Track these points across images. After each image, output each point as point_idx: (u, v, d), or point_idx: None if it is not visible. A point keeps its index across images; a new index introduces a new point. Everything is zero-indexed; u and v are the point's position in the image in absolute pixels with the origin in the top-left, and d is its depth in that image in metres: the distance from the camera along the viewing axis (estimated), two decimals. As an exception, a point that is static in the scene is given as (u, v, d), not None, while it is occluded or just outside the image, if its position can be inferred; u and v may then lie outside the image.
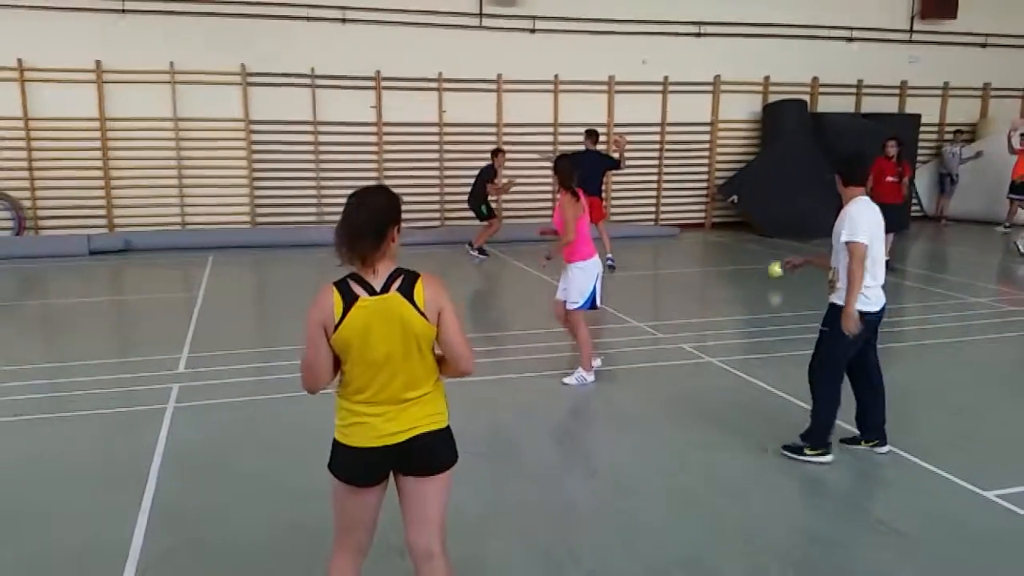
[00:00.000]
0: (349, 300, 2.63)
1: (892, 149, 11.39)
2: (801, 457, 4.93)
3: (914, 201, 16.61)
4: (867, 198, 4.88)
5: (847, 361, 4.91)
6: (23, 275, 11.31)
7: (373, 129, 14.27)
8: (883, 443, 5.07)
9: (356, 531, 2.86)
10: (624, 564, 3.77)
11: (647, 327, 8.21)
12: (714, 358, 7.09)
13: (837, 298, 4.79)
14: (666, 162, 15.90)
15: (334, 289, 2.66)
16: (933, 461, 4.89)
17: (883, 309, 4.87)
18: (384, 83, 14.14)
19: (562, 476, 4.95)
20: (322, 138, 14.06)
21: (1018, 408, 6.00)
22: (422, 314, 2.65)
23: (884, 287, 4.87)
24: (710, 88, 15.87)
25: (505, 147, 13.60)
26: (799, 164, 15.00)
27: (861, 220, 4.68)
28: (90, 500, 4.43)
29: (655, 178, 15.92)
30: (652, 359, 7.17)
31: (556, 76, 14.91)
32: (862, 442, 5.11)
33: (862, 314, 4.72)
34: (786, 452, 5.01)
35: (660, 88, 15.57)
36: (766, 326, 8.31)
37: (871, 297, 4.76)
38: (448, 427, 2.84)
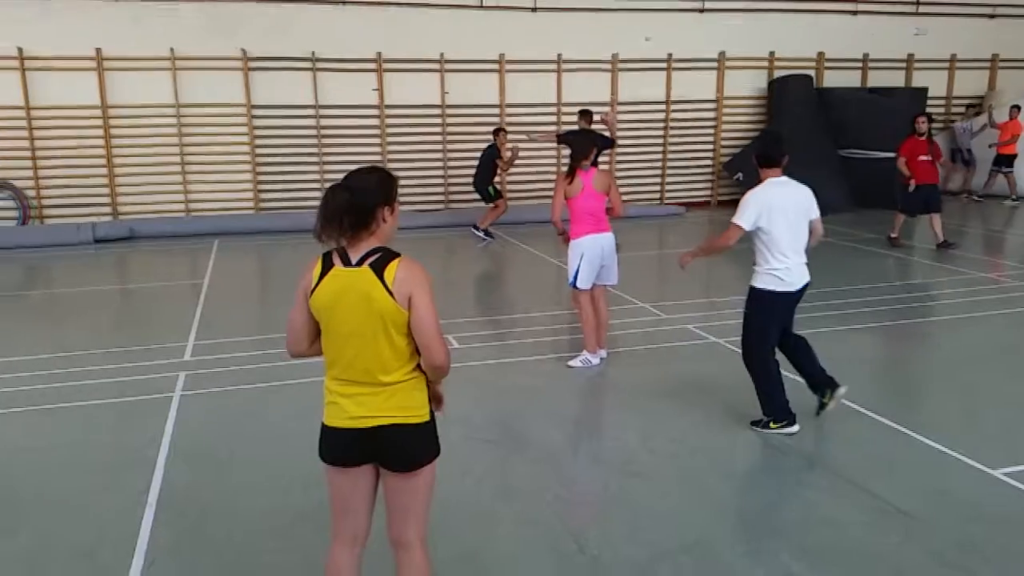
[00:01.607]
0: (326, 268, 2.69)
1: (923, 125, 10.93)
2: (767, 431, 5.04)
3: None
4: (783, 179, 4.94)
5: (774, 336, 5.03)
6: (28, 265, 11.33)
7: (375, 112, 14.20)
8: (836, 386, 5.12)
9: (348, 516, 2.85)
10: (629, 550, 3.77)
11: (652, 308, 8.19)
12: (720, 339, 7.06)
13: (754, 280, 4.96)
14: (671, 140, 15.80)
15: (320, 257, 2.73)
16: (940, 439, 4.87)
17: (803, 288, 4.97)
18: (385, 65, 14.05)
19: (567, 461, 4.95)
20: (324, 122, 14.01)
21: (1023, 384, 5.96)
22: (390, 293, 2.60)
23: (808, 264, 5.00)
24: (715, 65, 15.73)
25: (508, 128, 13.51)
26: (805, 140, 14.86)
27: (750, 205, 4.81)
28: (98, 490, 4.45)
29: (660, 156, 15.82)
30: (657, 340, 7.14)
31: (559, 55, 14.79)
32: (822, 400, 5.16)
33: (778, 294, 4.87)
34: (754, 427, 5.11)
35: (664, 66, 15.44)
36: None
37: (784, 278, 4.87)
38: (426, 424, 2.76)
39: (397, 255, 2.68)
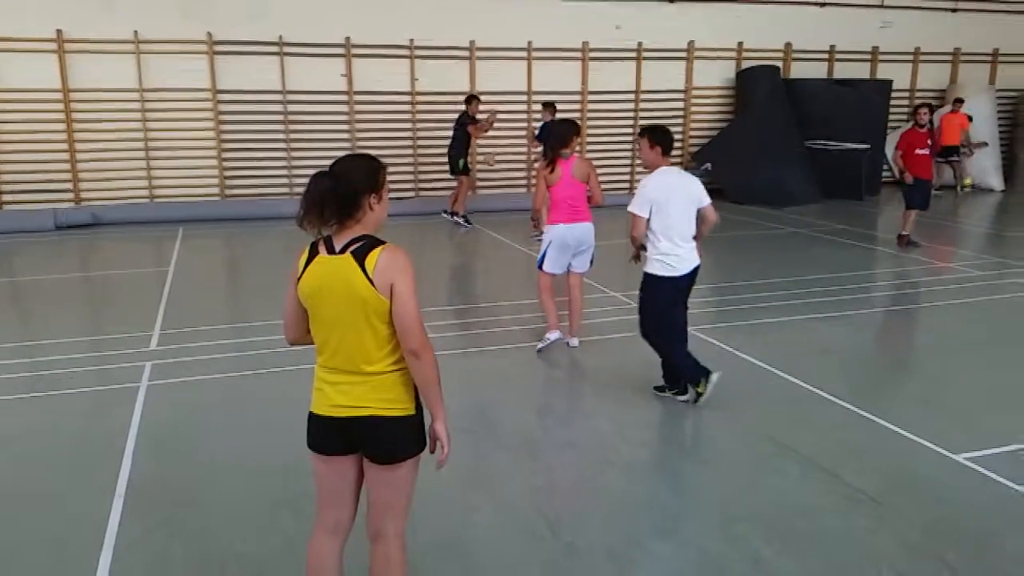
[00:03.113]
0: (311, 256, 2.69)
1: (925, 117, 10.35)
2: (696, 397, 5.26)
3: (884, 168, 16.73)
4: (673, 168, 5.28)
5: (667, 313, 5.32)
6: (-12, 251, 11.06)
7: (344, 98, 14.05)
8: (683, 392, 5.40)
9: (331, 505, 2.83)
10: (602, 536, 3.79)
11: (623, 296, 8.22)
12: (689, 327, 7.09)
13: (646, 266, 5.26)
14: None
15: (308, 245, 2.73)
16: (904, 425, 4.97)
17: (691, 272, 5.24)
18: (354, 51, 13.90)
19: (541, 449, 4.97)
20: (292, 108, 13.82)
21: (983, 371, 6.09)
22: (370, 281, 2.58)
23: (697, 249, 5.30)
24: (684, 55, 15.80)
25: (478, 117, 13.39)
26: (772, 131, 15.04)
27: (644, 193, 5.12)
28: (64, 482, 4.37)
29: (630, 146, 15.87)
30: (629, 329, 7.16)
31: (529, 43, 14.75)
32: (667, 391, 5.48)
33: (667, 279, 5.15)
34: (676, 396, 5.41)
35: (634, 55, 15.47)
36: (741, 294, 8.37)
37: (672, 264, 5.15)
38: (410, 417, 2.71)
39: (381, 243, 2.65)
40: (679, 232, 5.14)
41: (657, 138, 5.22)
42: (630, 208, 5.15)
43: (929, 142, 10.37)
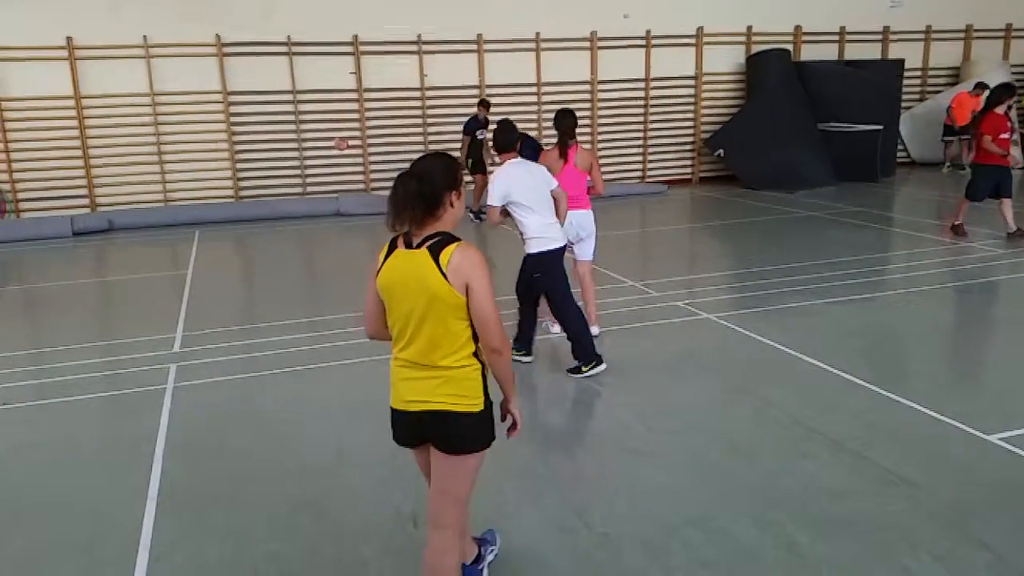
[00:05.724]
0: (390, 250, 2.77)
1: (1011, 99, 9.78)
2: (581, 375, 5.69)
3: (900, 148, 16.59)
4: (519, 159, 5.69)
5: (561, 288, 5.73)
6: (7, 259, 11.15)
7: (354, 96, 14.05)
8: (528, 353, 5.98)
9: (429, 476, 2.98)
10: (635, 526, 3.78)
11: (641, 286, 8.20)
12: (711, 314, 7.09)
13: (528, 248, 5.65)
14: (651, 118, 15.78)
15: (388, 240, 2.82)
16: (934, 407, 4.92)
17: (563, 248, 5.67)
18: (362, 48, 13.90)
19: (565, 440, 4.96)
20: (302, 107, 13.85)
21: (1012, 351, 6.03)
22: (444, 277, 2.64)
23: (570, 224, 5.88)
24: (693, 41, 15.70)
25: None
26: (784, 115, 14.93)
27: (495, 185, 5.52)
28: (96, 486, 4.40)
29: (640, 134, 15.80)
30: (649, 318, 7.15)
31: (537, 34, 14.69)
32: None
33: (545, 252, 5.58)
34: (571, 374, 5.74)
35: (643, 43, 15.39)
36: (759, 279, 8.32)
37: (550, 235, 5.58)
38: (478, 413, 2.78)
39: (456, 240, 2.72)
40: (539, 211, 5.53)
41: (492, 137, 5.74)
42: (488, 201, 5.56)
43: (1009, 124, 9.80)
